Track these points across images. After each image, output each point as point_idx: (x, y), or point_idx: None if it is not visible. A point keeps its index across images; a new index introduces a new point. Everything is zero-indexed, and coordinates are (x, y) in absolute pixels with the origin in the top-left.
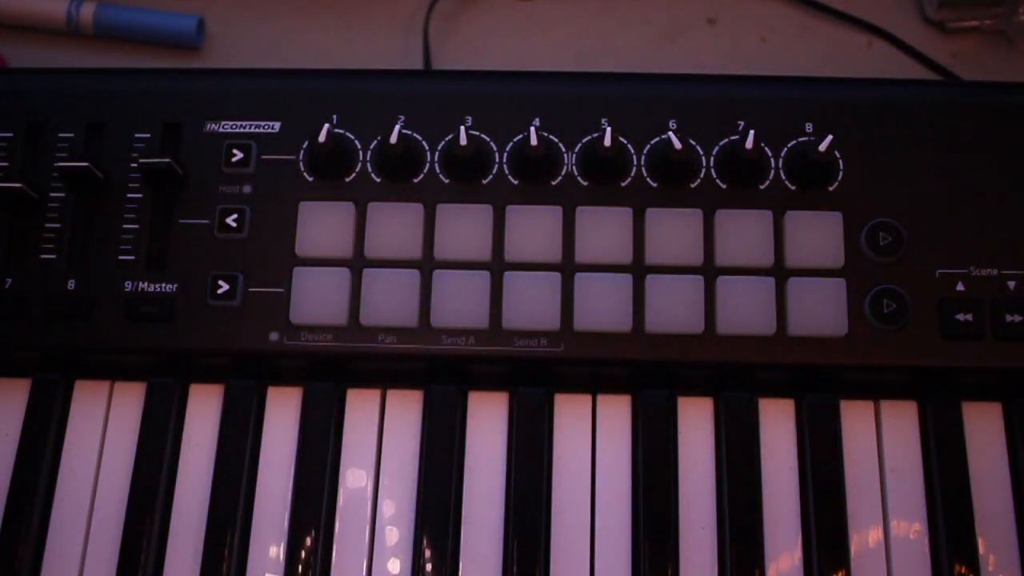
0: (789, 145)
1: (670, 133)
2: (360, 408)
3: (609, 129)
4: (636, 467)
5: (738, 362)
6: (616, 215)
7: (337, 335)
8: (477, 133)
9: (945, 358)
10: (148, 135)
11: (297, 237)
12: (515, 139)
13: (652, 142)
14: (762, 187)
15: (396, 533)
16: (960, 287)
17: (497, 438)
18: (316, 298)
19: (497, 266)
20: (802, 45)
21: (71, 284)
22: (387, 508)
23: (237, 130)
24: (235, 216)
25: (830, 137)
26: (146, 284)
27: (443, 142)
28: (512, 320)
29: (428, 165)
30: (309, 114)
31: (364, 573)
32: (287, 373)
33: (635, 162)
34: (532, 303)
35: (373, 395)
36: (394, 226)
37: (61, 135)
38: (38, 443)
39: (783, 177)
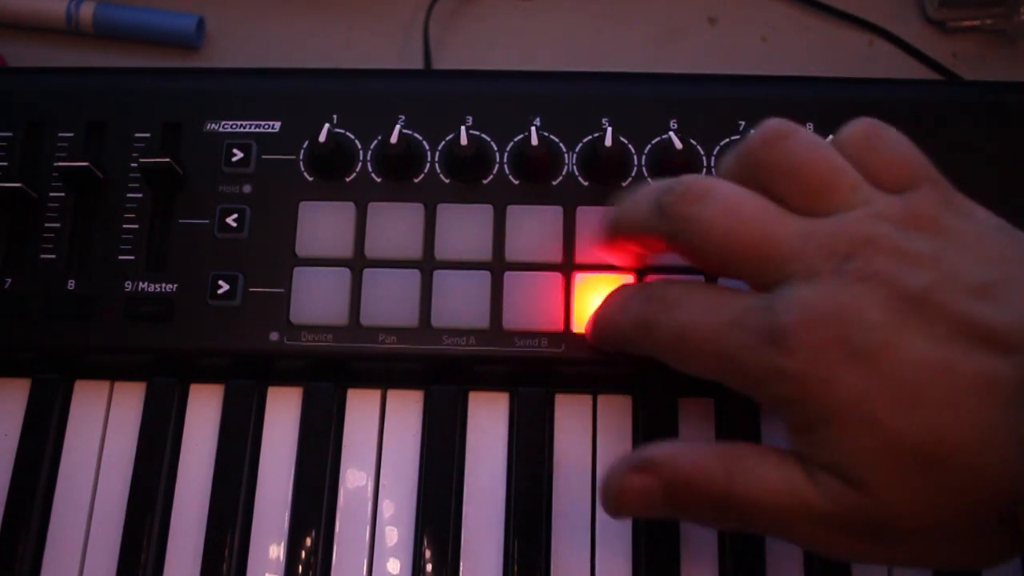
0: None
1: (671, 133)
2: (360, 408)
3: (610, 129)
4: None
5: None
6: None
7: (337, 335)
8: (477, 133)
9: None
10: (148, 135)
11: (297, 237)
12: (516, 139)
13: (653, 142)
14: None
15: (396, 533)
16: None
17: (498, 438)
18: (316, 298)
19: (498, 266)
20: (802, 45)
21: (71, 284)
22: (387, 508)
23: (237, 130)
24: (235, 216)
25: (831, 137)
26: (146, 284)
27: (443, 142)
28: (513, 320)
29: (428, 165)
30: (309, 114)
31: (364, 573)
32: (287, 373)
33: (636, 162)
34: (533, 303)
35: (373, 395)
36: (394, 226)
37: (61, 135)
38: (38, 443)
39: None
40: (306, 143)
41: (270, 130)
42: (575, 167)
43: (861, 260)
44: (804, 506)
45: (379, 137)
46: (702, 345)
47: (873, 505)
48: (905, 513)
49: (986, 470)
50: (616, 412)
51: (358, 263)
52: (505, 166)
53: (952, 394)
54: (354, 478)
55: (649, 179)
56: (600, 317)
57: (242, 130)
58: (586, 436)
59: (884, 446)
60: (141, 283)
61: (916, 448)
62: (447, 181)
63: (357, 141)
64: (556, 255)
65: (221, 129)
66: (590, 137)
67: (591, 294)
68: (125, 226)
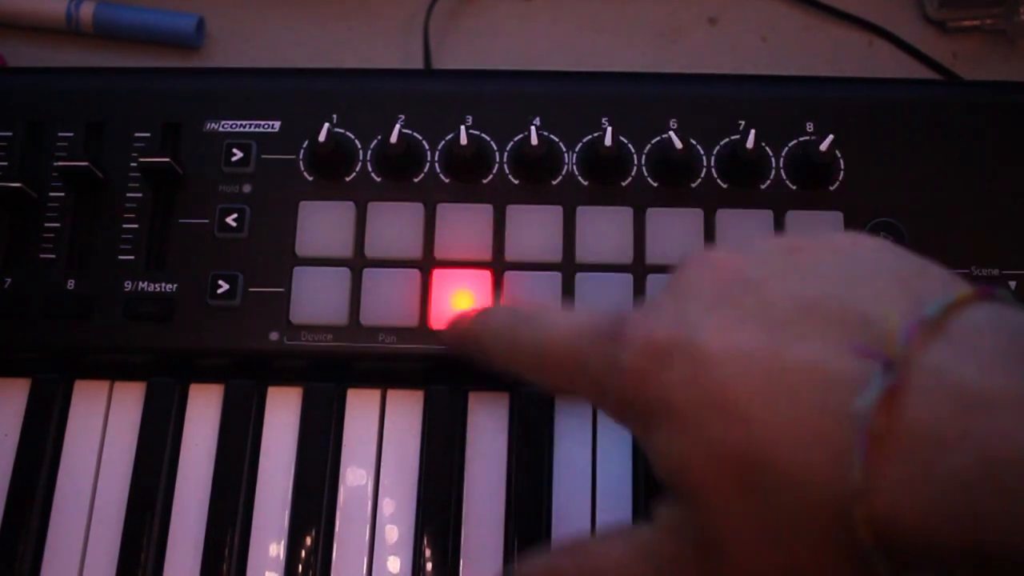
0: (790, 145)
1: (671, 133)
2: (360, 408)
3: (609, 129)
4: (636, 467)
5: None
6: (617, 215)
7: (337, 335)
8: (477, 133)
9: None
10: (148, 134)
11: (297, 237)
12: (515, 139)
13: (653, 142)
14: (763, 187)
15: (396, 532)
16: None
17: (498, 438)
18: (316, 298)
19: (497, 266)
20: (802, 45)
21: (71, 284)
22: (387, 507)
23: (237, 129)
24: (235, 216)
25: (831, 137)
26: (146, 284)
27: (443, 142)
28: None
29: (428, 165)
30: (309, 114)
31: (364, 572)
32: (287, 373)
33: (635, 162)
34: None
35: (373, 395)
36: (394, 226)
37: (61, 135)
38: (38, 443)
39: (784, 177)
40: (306, 143)
41: (270, 130)
42: (575, 167)
43: (694, 263)
44: (647, 558)
45: (379, 137)
46: (555, 351)
47: (704, 523)
48: (734, 531)
49: (813, 470)
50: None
51: (358, 263)
52: (505, 166)
53: (777, 386)
54: (354, 477)
55: (649, 178)
56: (466, 331)
57: (242, 130)
58: (586, 436)
59: (708, 451)
60: (141, 283)
61: (738, 454)
62: (447, 181)
63: (357, 141)
64: (556, 255)
65: (221, 129)
66: (590, 137)
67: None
68: (125, 226)
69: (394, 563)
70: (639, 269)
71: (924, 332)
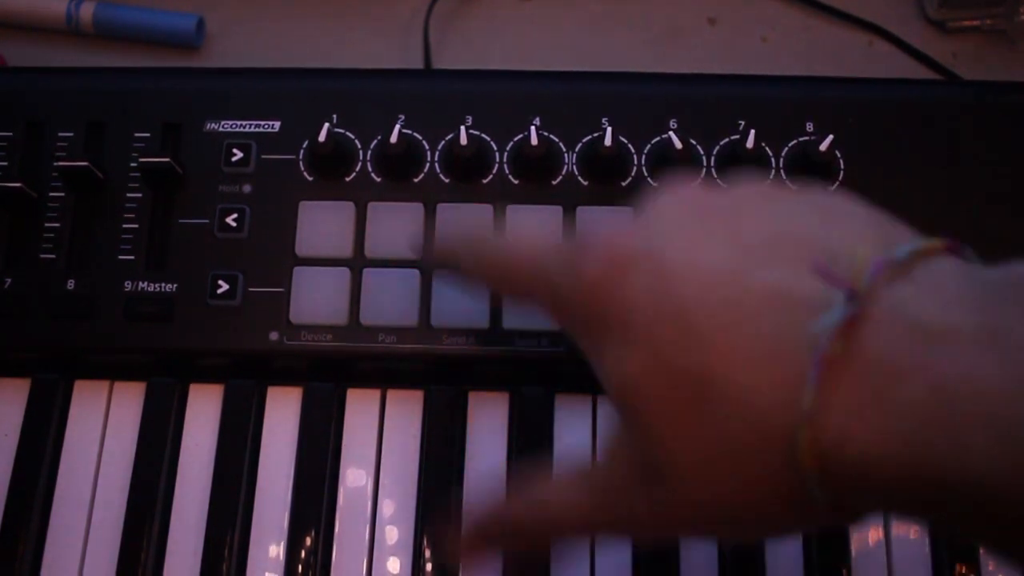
0: (789, 145)
1: (671, 133)
2: (360, 408)
3: (609, 129)
4: None
5: None
6: (617, 214)
7: (337, 335)
8: (477, 133)
9: None
10: (148, 135)
11: (297, 237)
12: (515, 139)
13: (653, 142)
14: None
15: (396, 533)
16: None
17: (498, 438)
18: (316, 298)
19: None
20: (802, 45)
21: (71, 284)
22: (387, 508)
23: (237, 130)
24: (235, 216)
25: (831, 137)
26: (146, 284)
27: (443, 142)
28: (513, 320)
29: (428, 165)
30: (309, 114)
31: (364, 573)
32: (287, 373)
33: (635, 162)
34: None
35: (373, 395)
36: (394, 226)
37: (61, 135)
38: (38, 443)
39: (784, 177)
40: (306, 143)
41: (270, 130)
42: (575, 167)
43: (668, 193)
44: (595, 490)
45: (379, 137)
46: (519, 255)
47: (649, 445)
48: (679, 454)
49: (764, 393)
50: (616, 412)
51: (358, 263)
52: (505, 166)
53: (737, 306)
54: (354, 478)
55: (649, 178)
56: (442, 241)
57: (242, 130)
58: (586, 436)
59: (660, 366)
60: (141, 283)
61: (691, 371)
62: (447, 181)
63: (357, 141)
64: None
65: (221, 129)
66: (590, 137)
67: None
68: (125, 226)
69: (394, 564)
70: None
71: (890, 270)
